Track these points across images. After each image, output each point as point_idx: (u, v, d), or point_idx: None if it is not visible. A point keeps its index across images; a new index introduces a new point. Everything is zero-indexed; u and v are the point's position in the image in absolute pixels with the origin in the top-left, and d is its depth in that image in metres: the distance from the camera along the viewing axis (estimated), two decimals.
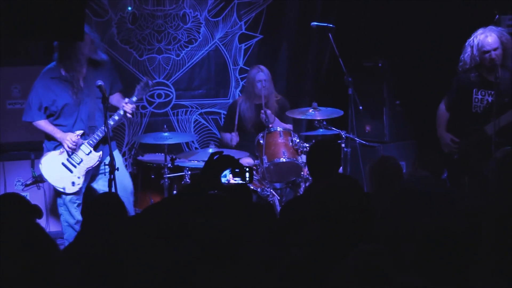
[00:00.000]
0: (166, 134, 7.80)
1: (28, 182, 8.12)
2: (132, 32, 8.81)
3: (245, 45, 9.25)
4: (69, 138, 7.20)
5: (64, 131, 7.26)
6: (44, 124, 7.27)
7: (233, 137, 8.43)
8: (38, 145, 8.02)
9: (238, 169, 4.32)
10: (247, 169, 4.94)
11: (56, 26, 5.82)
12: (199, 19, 9.02)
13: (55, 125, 7.27)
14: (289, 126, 8.34)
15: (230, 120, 8.52)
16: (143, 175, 8.04)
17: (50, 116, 7.29)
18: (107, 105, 6.82)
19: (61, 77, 7.25)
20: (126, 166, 8.59)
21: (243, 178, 4.86)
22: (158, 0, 8.84)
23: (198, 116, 9.20)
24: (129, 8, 8.73)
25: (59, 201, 7.36)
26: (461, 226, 3.89)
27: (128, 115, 7.40)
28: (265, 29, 9.25)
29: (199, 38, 9.06)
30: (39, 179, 8.12)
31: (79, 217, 7.25)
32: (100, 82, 6.91)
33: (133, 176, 8.10)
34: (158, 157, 8.14)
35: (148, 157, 8.26)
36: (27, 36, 5.91)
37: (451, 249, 3.68)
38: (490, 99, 7.37)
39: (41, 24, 5.74)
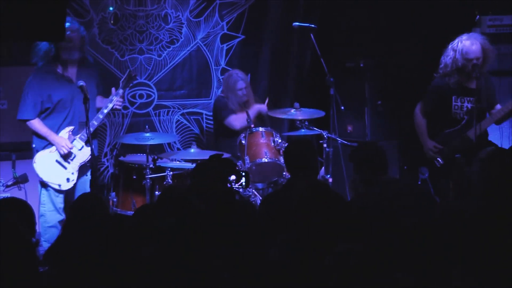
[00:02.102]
0: (148, 134, 7.79)
1: (9, 183, 8.08)
2: (114, 32, 8.79)
3: (227, 45, 9.24)
4: (65, 144, 7.21)
5: (55, 130, 7.26)
6: (37, 125, 7.26)
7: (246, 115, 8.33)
8: (20, 145, 8.01)
9: (235, 174, 4.36)
10: (243, 174, 4.97)
11: (37, 26, 5.80)
12: (181, 19, 9.01)
13: (45, 118, 7.27)
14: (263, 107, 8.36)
15: (228, 111, 8.48)
16: (124, 176, 8.01)
17: (43, 112, 7.27)
18: (88, 106, 6.80)
19: (56, 73, 7.27)
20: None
21: (240, 184, 4.90)
22: (139, 0, 8.82)
23: (180, 117, 9.18)
24: (111, 9, 8.71)
25: (43, 201, 7.32)
26: (442, 227, 3.91)
27: (118, 107, 7.46)
28: (247, 30, 9.25)
29: (181, 38, 9.05)
30: (20, 180, 8.09)
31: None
32: (81, 83, 6.91)
33: (114, 176, 8.09)
34: (140, 158, 8.12)
35: (129, 158, 8.23)
36: (8, 36, 5.89)
37: (432, 250, 3.70)
38: (469, 105, 7.42)
39: (22, 24, 5.72)
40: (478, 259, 3.40)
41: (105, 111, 7.35)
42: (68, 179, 7.28)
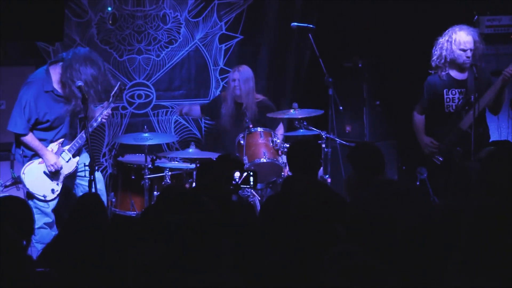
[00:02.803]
0: (146, 134, 7.79)
1: (8, 183, 8.08)
2: (112, 32, 8.78)
3: (226, 45, 9.24)
4: (54, 163, 7.19)
5: (47, 143, 7.26)
6: (30, 139, 7.20)
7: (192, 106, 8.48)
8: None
9: (239, 176, 4.38)
10: (251, 174, 4.96)
11: (36, 26, 5.81)
12: (179, 20, 9.01)
13: (40, 130, 7.25)
14: (280, 129, 8.39)
15: (209, 105, 8.53)
16: (123, 176, 8.01)
17: (37, 125, 7.23)
18: (86, 106, 6.79)
19: (54, 92, 7.18)
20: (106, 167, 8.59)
21: (248, 183, 4.91)
22: (138, 0, 8.82)
23: (179, 117, 9.18)
24: (109, 9, 8.71)
25: (30, 203, 7.30)
26: (441, 227, 3.91)
27: (104, 120, 7.47)
28: (245, 30, 9.25)
29: (179, 38, 9.04)
30: (18, 180, 8.08)
31: (52, 217, 7.32)
32: (79, 83, 6.89)
33: (113, 177, 8.08)
34: (138, 158, 8.12)
35: (128, 158, 8.24)
36: (7, 36, 5.90)
37: (428, 249, 3.70)
38: (461, 97, 7.46)
39: (21, 24, 5.72)
40: (478, 259, 3.40)
41: (95, 124, 7.37)
42: (53, 190, 7.27)
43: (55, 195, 7.28)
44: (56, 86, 7.22)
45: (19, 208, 4.75)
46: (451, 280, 3.54)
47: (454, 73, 7.51)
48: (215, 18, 9.13)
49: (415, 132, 7.78)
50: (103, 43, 8.74)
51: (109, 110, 7.40)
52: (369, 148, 5.95)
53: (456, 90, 7.48)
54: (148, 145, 7.73)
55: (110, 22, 8.74)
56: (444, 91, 7.52)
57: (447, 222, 4.19)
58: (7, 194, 7.83)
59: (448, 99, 7.53)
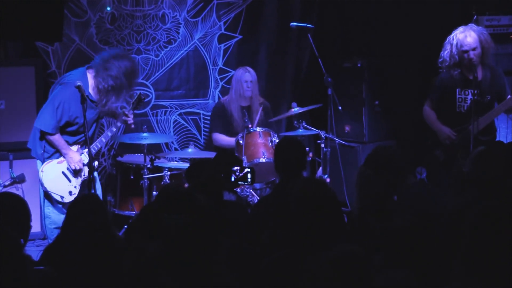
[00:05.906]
0: (145, 134, 7.78)
1: (7, 183, 8.08)
2: (111, 32, 8.78)
3: (225, 45, 9.24)
4: (78, 161, 7.17)
5: (70, 143, 7.24)
6: (57, 138, 7.14)
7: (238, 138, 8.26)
8: (17, 145, 7.97)
9: (239, 169, 4.40)
10: (249, 170, 4.97)
11: (35, 26, 5.81)
12: (178, 20, 9.01)
13: (64, 132, 7.23)
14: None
15: (222, 121, 8.44)
16: (122, 176, 8.02)
17: (66, 127, 7.19)
18: (86, 106, 6.75)
19: (89, 97, 7.08)
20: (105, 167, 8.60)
21: (245, 180, 4.91)
22: (137, 0, 8.82)
23: (178, 117, 9.18)
24: (108, 8, 8.70)
25: (47, 203, 7.27)
26: (442, 226, 3.91)
27: (132, 126, 7.53)
28: (244, 30, 9.25)
29: (178, 38, 9.04)
30: (17, 180, 8.09)
31: None
32: (79, 83, 6.84)
33: (112, 177, 8.08)
34: (138, 158, 8.12)
35: (127, 158, 8.24)
36: (7, 36, 5.90)
37: (429, 248, 3.70)
38: (473, 98, 7.43)
39: (20, 24, 5.72)
40: (478, 258, 3.41)
41: (110, 134, 7.42)
42: (70, 192, 7.21)
43: (72, 198, 7.15)
44: (92, 91, 7.21)
45: (16, 204, 4.69)
46: (453, 280, 3.54)
47: (466, 73, 7.46)
48: (214, 18, 9.13)
49: (430, 124, 7.64)
50: (102, 43, 8.73)
51: (126, 117, 7.43)
52: (390, 151, 5.64)
53: (469, 90, 7.44)
54: (147, 145, 7.73)
55: (109, 22, 8.74)
56: (457, 90, 7.48)
57: (449, 221, 4.19)
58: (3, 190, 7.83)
59: (460, 99, 7.49)
